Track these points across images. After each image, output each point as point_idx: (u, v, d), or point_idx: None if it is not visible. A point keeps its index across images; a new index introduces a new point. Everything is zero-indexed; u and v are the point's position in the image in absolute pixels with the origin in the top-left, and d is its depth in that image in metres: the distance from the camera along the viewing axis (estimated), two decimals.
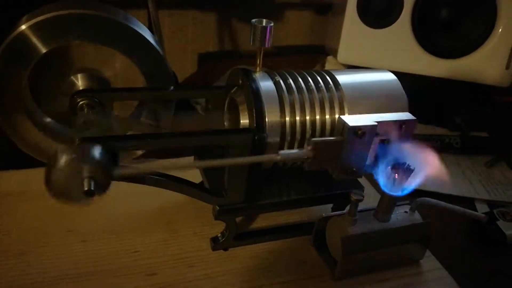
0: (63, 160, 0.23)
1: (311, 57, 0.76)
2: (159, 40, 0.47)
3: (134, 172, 0.26)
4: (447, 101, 0.62)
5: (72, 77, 0.37)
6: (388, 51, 0.60)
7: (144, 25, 0.38)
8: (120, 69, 0.38)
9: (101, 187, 0.24)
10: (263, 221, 0.38)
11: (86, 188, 0.23)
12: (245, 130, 0.31)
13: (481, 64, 0.59)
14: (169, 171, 0.29)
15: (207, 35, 0.78)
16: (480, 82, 0.60)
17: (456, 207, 0.33)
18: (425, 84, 0.61)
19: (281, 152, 0.28)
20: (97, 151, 0.24)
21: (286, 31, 0.82)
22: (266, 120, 0.30)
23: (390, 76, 0.35)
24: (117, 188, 0.26)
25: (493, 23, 0.57)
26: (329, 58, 0.68)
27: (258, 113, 0.30)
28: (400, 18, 0.58)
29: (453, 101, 0.63)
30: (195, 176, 0.34)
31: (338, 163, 0.30)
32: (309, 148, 0.29)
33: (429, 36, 0.59)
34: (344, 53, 0.62)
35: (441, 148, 0.54)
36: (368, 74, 0.35)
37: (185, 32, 0.76)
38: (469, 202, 0.46)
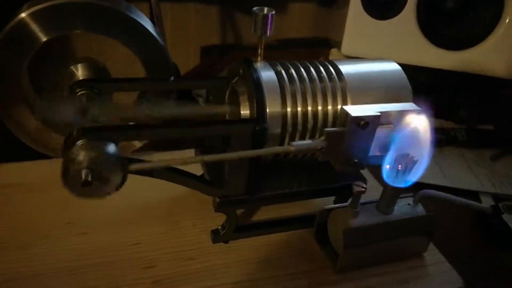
0: (81, 158, 0.24)
1: (315, 50, 0.76)
2: (161, 32, 0.47)
3: (146, 168, 0.26)
4: (452, 94, 0.61)
5: (72, 67, 0.37)
6: (393, 42, 0.59)
7: (146, 16, 0.37)
8: (120, 59, 0.38)
9: (120, 184, 0.25)
10: (264, 213, 0.37)
11: (108, 191, 0.25)
12: (246, 120, 0.31)
13: (487, 56, 0.58)
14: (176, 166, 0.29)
15: (209, 28, 0.77)
16: (486, 74, 0.59)
17: (460, 199, 0.33)
18: (431, 76, 0.60)
19: (295, 143, 0.28)
20: (112, 149, 0.25)
21: (289, 24, 0.81)
22: (267, 110, 0.30)
23: (394, 66, 0.35)
24: None
25: (500, 14, 0.56)
26: (333, 50, 0.67)
27: (259, 103, 0.30)
28: (405, 9, 0.57)
29: (459, 93, 0.62)
30: (195, 168, 0.33)
31: (341, 154, 0.30)
32: (323, 138, 0.28)
33: (434, 27, 0.58)
34: (348, 45, 0.61)
35: (447, 141, 0.54)
36: (372, 64, 0.35)
37: (187, 25, 0.75)
38: (474, 195, 0.46)
